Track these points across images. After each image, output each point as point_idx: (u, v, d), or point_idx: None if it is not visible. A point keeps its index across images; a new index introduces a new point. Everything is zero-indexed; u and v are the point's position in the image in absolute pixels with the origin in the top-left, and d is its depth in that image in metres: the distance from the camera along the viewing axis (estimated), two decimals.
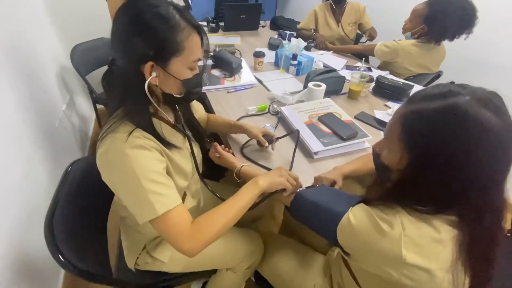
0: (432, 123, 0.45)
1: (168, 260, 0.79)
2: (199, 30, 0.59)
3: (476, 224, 0.47)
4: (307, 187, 0.83)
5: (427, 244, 0.48)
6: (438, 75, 1.71)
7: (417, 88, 1.42)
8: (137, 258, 0.79)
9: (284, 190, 0.69)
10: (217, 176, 1.30)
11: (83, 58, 1.59)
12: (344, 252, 0.60)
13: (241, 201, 0.63)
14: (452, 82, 0.50)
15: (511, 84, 1.65)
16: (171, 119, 0.70)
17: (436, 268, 0.47)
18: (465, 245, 0.48)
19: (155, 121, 0.64)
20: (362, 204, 0.57)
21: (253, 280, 0.96)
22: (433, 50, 1.56)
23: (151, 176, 0.56)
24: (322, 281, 0.80)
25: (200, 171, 0.82)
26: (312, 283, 0.80)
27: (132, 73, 0.57)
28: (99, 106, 1.86)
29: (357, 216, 0.54)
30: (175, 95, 0.63)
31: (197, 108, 0.92)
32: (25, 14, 1.41)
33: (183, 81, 0.60)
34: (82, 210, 0.76)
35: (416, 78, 1.65)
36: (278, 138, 0.90)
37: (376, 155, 0.60)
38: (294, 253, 0.89)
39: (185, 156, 0.70)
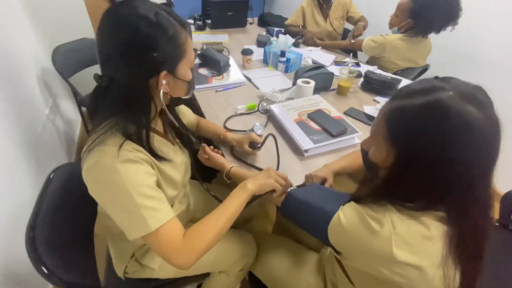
0: (416, 119, 0.45)
1: (159, 267, 0.77)
2: (188, 28, 0.59)
3: (464, 219, 0.47)
4: (298, 186, 0.83)
5: (417, 241, 0.47)
6: (425, 68, 1.72)
7: (405, 82, 1.43)
8: (126, 266, 0.77)
9: (274, 190, 0.68)
10: (208, 178, 1.28)
11: (65, 59, 1.53)
12: (335, 251, 0.60)
13: (230, 208, 0.62)
14: (436, 77, 0.50)
15: (497, 77, 1.68)
16: (160, 128, 0.69)
17: (426, 265, 0.47)
18: (455, 240, 0.48)
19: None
20: (352, 203, 0.56)
21: (247, 279, 0.95)
22: (419, 43, 1.57)
23: (143, 191, 0.54)
24: (315, 279, 0.79)
25: (190, 175, 0.80)
26: (306, 282, 0.80)
27: (139, 86, 0.55)
28: (84, 109, 1.80)
29: (347, 215, 0.54)
30: (182, 97, 0.65)
31: (185, 112, 0.90)
32: (1, 13, 1.35)
33: (189, 81, 0.62)
34: (66, 218, 0.73)
35: (404, 72, 1.66)
36: (260, 147, 0.90)
37: (364, 153, 0.60)
38: (287, 253, 0.89)
39: (175, 165, 0.68)
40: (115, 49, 0.52)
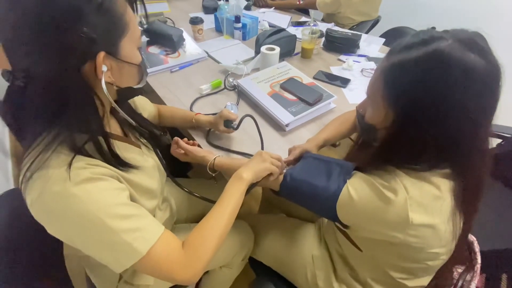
0: (415, 72, 0.43)
1: (154, 281, 0.69)
2: None
3: (469, 171, 0.48)
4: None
5: (430, 202, 0.48)
6: (377, 20, 1.74)
7: (364, 37, 1.42)
8: None
9: (270, 174, 0.63)
10: (183, 170, 1.17)
11: None
12: (343, 225, 0.59)
13: (230, 204, 0.55)
14: (434, 28, 0.46)
15: (439, 20, 1.78)
16: (116, 130, 0.56)
17: (439, 222, 0.48)
18: (461, 193, 0.49)
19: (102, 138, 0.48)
20: (358, 173, 0.54)
21: (249, 265, 0.93)
22: None
23: (117, 212, 0.43)
24: (318, 250, 0.80)
25: (166, 176, 0.70)
26: (309, 255, 0.79)
27: (70, 78, 0.40)
28: None
29: (357, 189, 0.52)
30: (134, 86, 0.52)
31: (143, 104, 0.75)
32: None
33: (140, 64, 0.50)
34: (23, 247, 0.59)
35: (359, 26, 1.66)
36: (236, 127, 0.80)
37: (360, 116, 0.56)
38: (283, 230, 0.87)
39: (147, 172, 0.57)
40: (23, 28, 0.37)
